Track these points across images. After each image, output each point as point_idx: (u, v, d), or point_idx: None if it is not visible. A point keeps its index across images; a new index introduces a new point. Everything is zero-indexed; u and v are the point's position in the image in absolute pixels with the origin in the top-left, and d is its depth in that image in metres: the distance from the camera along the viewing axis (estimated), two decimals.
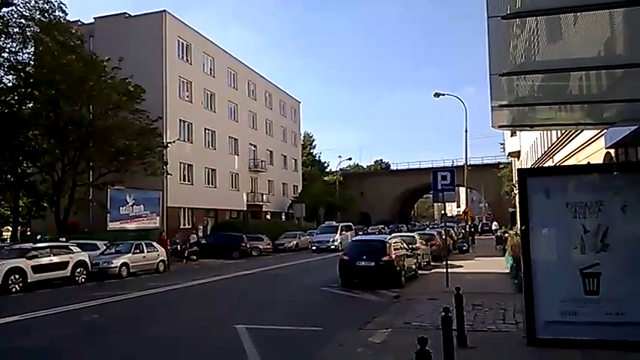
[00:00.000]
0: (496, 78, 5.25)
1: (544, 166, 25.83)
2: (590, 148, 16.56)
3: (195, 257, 30.19)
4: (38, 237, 26.51)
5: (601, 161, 14.48)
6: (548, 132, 24.91)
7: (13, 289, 16.89)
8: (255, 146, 50.22)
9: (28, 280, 17.51)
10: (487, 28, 3.81)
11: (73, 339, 9.78)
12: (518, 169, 7.35)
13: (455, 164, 59.53)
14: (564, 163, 21.13)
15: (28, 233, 32.49)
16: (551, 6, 3.75)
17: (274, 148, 55.05)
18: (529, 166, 32.86)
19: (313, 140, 78.15)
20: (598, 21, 4.31)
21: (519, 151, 43.47)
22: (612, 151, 13.21)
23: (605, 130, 12.02)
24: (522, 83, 6.03)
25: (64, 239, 23.88)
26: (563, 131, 20.49)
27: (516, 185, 40.95)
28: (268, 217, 51.02)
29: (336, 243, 35.98)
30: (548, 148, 25.97)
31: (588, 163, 15.54)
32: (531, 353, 6.84)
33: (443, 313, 6.10)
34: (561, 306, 6.58)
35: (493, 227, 47.95)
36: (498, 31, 4.02)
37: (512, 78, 5.64)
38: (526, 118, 8.50)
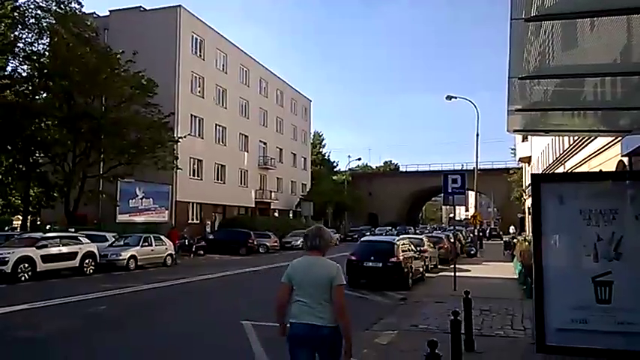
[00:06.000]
0: (514, 81, 5.20)
1: (556, 172, 25.68)
2: (604, 156, 16.43)
3: (202, 252, 30.36)
4: (48, 227, 26.74)
5: (614, 169, 14.36)
6: (561, 138, 24.76)
7: (22, 278, 17.04)
8: (265, 143, 50.30)
9: (37, 270, 17.66)
10: (509, 30, 3.76)
11: (80, 330, 9.83)
12: (531, 175, 7.29)
13: (464, 168, 59.19)
14: (576, 170, 20.99)
15: (38, 223, 32.75)
16: (574, 10, 3.70)
17: (284, 145, 55.11)
18: (540, 172, 32.66)
19: (323, 139, 78.25)
20: (616, 27, 4.25)
21: (530, 157, 43.24)
22: (626, 159, 13.09)
23: (620, 138, 11.92)
24: (537, 88, 5.97)
25: (73, 230, 24.03)
26: (576, 138, 20.36)
27: (526, 191, 40.72)
28: (276, 214, 51.09)
29: None
30: (560, 155, 25.81)
31: (600, 170, 15.41)
32: None
33: (451, 317, 6.07)
34: (572, 313, 6.48)
35: (510, 231, 47.56)
36: (519, 34, 3.97)
37: (528, 82, 5.58)
38: (540, 123, 8.43)
